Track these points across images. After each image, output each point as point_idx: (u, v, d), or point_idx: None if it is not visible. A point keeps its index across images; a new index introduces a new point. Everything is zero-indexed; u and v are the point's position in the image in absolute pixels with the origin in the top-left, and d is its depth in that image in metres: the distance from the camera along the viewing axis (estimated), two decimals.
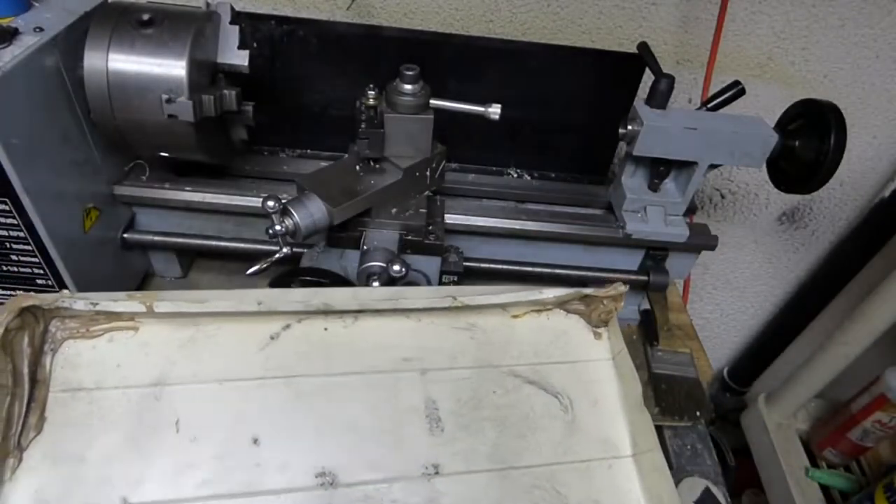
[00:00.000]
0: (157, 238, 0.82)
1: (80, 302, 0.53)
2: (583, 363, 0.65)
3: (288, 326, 0.59)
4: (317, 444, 0.55)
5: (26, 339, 0.52)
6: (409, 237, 0.73)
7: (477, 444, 0.58)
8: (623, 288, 0.64)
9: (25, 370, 0.51)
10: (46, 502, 0.47)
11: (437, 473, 0.56)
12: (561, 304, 0.66)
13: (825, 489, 1.26)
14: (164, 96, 0.64)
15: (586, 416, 0.61)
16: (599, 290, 0.64)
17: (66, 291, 0.54)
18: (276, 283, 0.71)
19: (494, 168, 0.94)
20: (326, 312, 0.60)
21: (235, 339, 0.57)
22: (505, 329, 0.64)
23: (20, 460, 0.49)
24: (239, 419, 0.54)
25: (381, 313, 0.61)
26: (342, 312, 0.60)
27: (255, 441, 0.54)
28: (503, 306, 0.64)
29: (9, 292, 0.72)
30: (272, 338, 0.59)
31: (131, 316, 0.55)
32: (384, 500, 0.52)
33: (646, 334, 0.91)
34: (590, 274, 0.87)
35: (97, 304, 0.54)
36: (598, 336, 0.67)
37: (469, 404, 0.59)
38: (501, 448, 0.58)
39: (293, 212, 0.62)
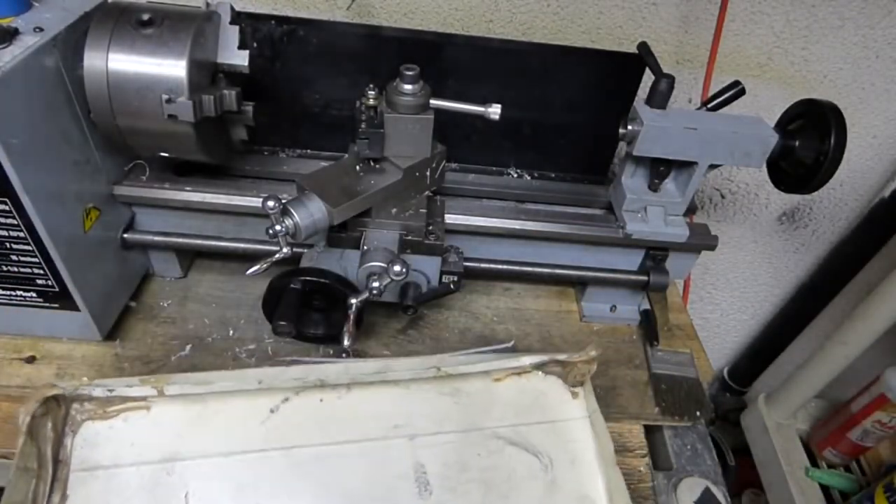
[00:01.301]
0: (156, 238, 0.82)
1: (97, 389, 0.59)
2: (561, 422, 0.69)
3: (287, 399, 0.65)
4: None
5: (50, 424, 0.57)
6: (409, 237, 0.73)
7: None
8: (594, 353, 0.69)
9: (49, 452, 0.55)
10: None
11: None
12: (539, 367, 0.71)
13: (825, 489, 1.26)
14: (164, 96, 0.64)
15: (565, 474, 0.66)
16: (573, 355, 0.69)
17: (84, 379, 0.60)
18: (275, 283, 0.71)
19: (494, 168, 0.94)
20: (321, 386, 0.65)
21: (239, 413, 0.63)
22: (487, 393, 0.70)
23: None
24: (242, 491, 0.59)
25: (373, 384, 0.67)
26: (336, 385, 0.66)
27: None
28: (485, 373, 0.70)
29: (9, 292, 0.72)
30: (272, 411, 0.64)
31: (144, 398, 0.61)
32: None
33: (646, 334, 0.91)
34: (590, 274, 0.87)
35: (113, 390, 0.59)
36: (574, 395, 0.72)
37: (455, 468, 0.64)
38: None
39: (293, 212, 0.62)
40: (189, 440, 0.60)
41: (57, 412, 0.57)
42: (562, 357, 0.69)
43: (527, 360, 0.70)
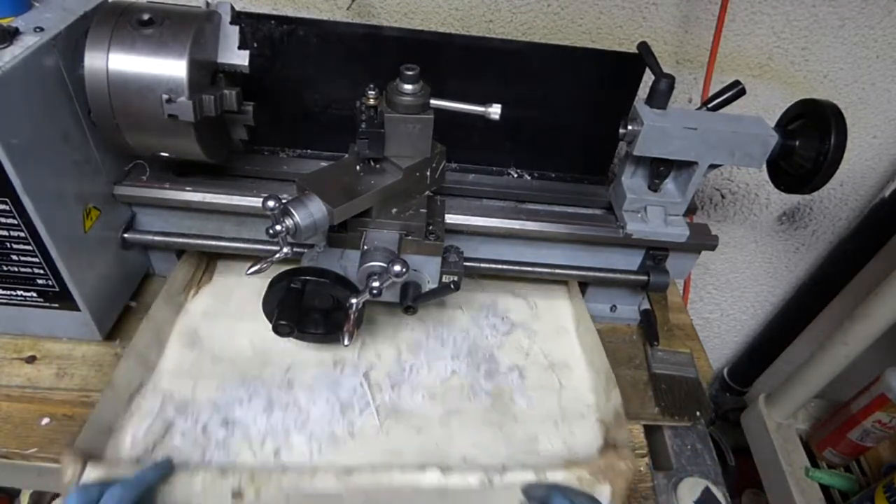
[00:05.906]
0: (157, 238, 0.82)
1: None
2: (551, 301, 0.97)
3: None
4: None
5: (207, 261, 0.94)
6: (409, 237, 0.73)
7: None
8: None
9: (204, 265, 0.92)
10: (207, 314, 0.86)
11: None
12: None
13: (825, 489, 1.26)
14: (164, 96, 0.64)
15: (547, 313, 0.94)
16: None
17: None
18: (275, 283, 0.71)
19: (494, 168, 0.94)
20: None
21: None
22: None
23: (197, 293, 0.89)
24: None
25: None
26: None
27: None
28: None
29: (9, 292, 0.72)
30: None
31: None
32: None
33: (646, 334, 0.91)
34: (590, 274, 0.87)
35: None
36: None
37: None
38: None
39: (293, 212, 0.62)
40: None
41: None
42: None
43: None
